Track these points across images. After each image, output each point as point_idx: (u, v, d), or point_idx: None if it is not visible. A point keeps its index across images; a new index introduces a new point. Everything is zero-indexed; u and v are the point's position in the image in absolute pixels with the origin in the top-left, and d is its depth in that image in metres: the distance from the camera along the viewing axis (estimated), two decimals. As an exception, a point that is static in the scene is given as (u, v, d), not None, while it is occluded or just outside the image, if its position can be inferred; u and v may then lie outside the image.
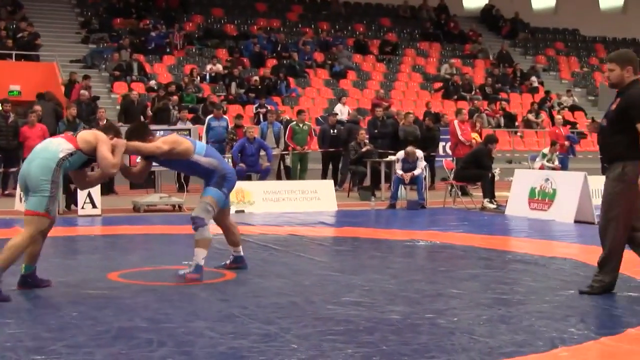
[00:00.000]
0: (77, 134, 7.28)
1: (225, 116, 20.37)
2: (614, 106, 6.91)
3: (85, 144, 7.09)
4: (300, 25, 32.94)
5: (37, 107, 18.51)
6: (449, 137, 19.99)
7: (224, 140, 19.37)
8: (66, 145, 7.05)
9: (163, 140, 7.67)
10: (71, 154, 7.01)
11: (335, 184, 18.08)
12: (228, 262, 8.39)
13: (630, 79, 6.87)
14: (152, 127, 17.43)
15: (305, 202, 15.59)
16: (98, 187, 14.04)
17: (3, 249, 6.76)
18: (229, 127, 19.74)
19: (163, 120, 19.81)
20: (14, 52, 26.13)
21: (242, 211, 15.01)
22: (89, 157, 7.16)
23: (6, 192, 17.67)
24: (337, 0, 34.62)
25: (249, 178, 17.19)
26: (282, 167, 19.84)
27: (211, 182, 7.80)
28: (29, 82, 22.97)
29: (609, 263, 7.00)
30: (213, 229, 8.00)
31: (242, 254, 8.40)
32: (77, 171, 7.39)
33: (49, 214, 6.87)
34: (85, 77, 23.25)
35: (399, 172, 16.00)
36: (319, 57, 30.47)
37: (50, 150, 7.02)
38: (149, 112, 21.32)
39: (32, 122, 17.66)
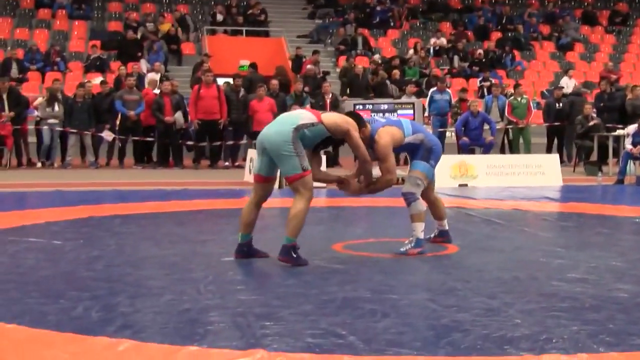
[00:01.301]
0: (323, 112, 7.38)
1: (448, 89, 20.30)
2: None
3: (333, 123, 7.14)
4: (525, -3, 32.23)
5: (274, 82, 19.12)
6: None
7: (446, 113, 19.34)
8: (308, 115, 7.17)
9: (383, 146, 7.50)
10: (312, 124, 7.06)
11: (561, 158, 17.65)
12: (433, 235, 8.31)
13: None
14: (376, 100, 17.80)
15: (529, 177, 15.30)
16: (324, 159, 14.31)
17: (287, 220, 7.02)
18: (452, 100, 19.69)
19: (382, 94, 19.97)
20: (244, 29, 27.02)
21: (466, 185, 14.93)
22: (331, 136, 7.20)
23: (236, 163, 18.32)
24: (565, -30, 33.55)
25: (472, 152, 17.07)
26: (506, 141, 19.52)
27: (417, 155, 7.75)
28: (258, 57, 23.64)
29: None
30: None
31: (447, 227, 8.29)
32: (312, 154, 7.42)
33: (307, 170, 6.99)
34: (315, 52, 23.76)
35: (629, 146, 15.42)
36: (544, 29, 29.76)
37: (291, 116, 7.19)
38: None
39: (260, 96, 18.19)
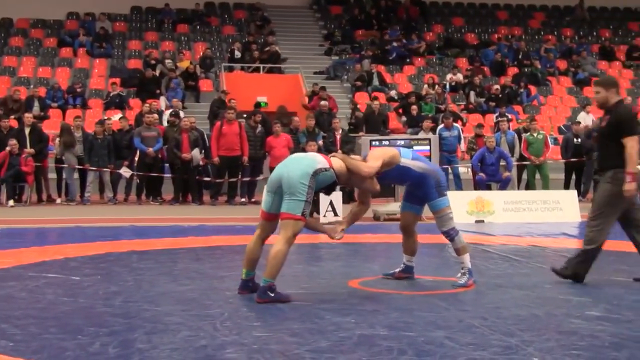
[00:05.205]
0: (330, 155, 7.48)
1: (456, 124, 20.19)
2: (604, 123, 8.22)
3: (339, 167, 7.31)
4: (542, 33, 32.32)
5: (296, 119, 19.28)
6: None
7: (454, 150, 19.27)
8: (322, 160, 7.26)
9: (373, 157, 7.64)
10: (326, 169, 7.19)
11: (579, 194, 17.59)
12: (398, 270, 8.35)
13: (615, 99, 8.10)
14: (392, 136, 17.79)
15: (547, 213, 15.27)
16: (340, 195, 14.35)
17: (267, 260, 7.02)
18: (461, 136, 19.65)
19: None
20: (261, 65, 27.16)
21: (482, 221, 14.89)
22: (335, 180, 7.35)
23: (253, 199, 18.34)
24: (582, 5, 33.63)
25: (489, 188, 17.04)
26: (521, 177, 19.39)
27: (432, 194, 7.81)
28: (275, 93, 23.73)
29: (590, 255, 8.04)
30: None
31: (413, 264, 8.34)
32: None
33: (304, 218, 7.07)
34: (322, 88, 23.77)
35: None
36: (561, 64, 29.80)
37: (308, 158, 7.28)
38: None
39: (277, 133, 18.27)
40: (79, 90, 24.32)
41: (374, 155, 7.67)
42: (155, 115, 20.26)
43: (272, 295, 6.95)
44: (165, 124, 20.33)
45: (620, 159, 7.90)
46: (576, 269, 8.13)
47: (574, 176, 19.74)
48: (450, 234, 7.85)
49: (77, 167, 18.17)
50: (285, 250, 7.01)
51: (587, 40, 32.02)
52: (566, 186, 19.25)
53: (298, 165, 7.14)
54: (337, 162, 7.35)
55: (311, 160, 7.22)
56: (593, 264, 8.13)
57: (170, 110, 21.65)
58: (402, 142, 15.43)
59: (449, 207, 7.88)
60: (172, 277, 8.50)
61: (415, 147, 14.90)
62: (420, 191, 7.91)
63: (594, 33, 32.88)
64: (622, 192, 7.86)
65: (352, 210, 8.04)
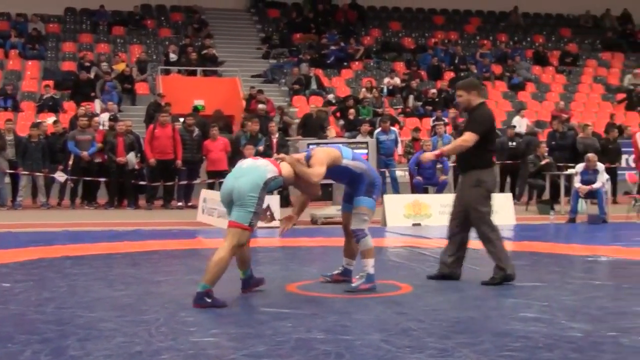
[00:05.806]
0: (279, 161, 7.46)
1: (393, 128, 20.28)
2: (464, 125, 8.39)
3: (288, 174, 7.35)
4: (478, 37, 32.66)
5: (251, 124, 19.20)
6: (632, 149, 19.31)
7: (391, 153, 19.37)
8: (272, 168, 7.26)
9: (319, 161, 7.59)
10: (275, 177, 7.22)
11: (514, 197, 17.76)
12: (335, 272, 8.35)
13: (476, 101, 8.39)
14: (330, 140, 17.78)
15: (482, 216, 15.34)
16: (277, 199, 14.32)
17: (208, 266, 7.01)
18: (398, 139, 19.75)
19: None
20: (198, 68, 27.00)
21: (419, 224, 14.96)
22: (284, 185, 7.51)
23: (189, 203, 18.22)
24: (516, 11, 34.08)
25: (426, 191, 17.14)
26: (458, 180, 19.52)
27: (360, 190, 7.83)
28: (212, 97, 23.61)
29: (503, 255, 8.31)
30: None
31: (352, 268, 8.31)
32: None
33: (252, 228, 7.11)
34: (259, 91, 23.69)
35: (577, 185, 15.61)
36: (497, 69, 30.14)
37: (259, 169, 7.22)
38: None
39: (214, 136, 18.17)
40: (9, 92, 23.92)
41: (319, 159, 7.61)
42: (97, 119, 20.05)
43: (209, 300, 6.92)
44: (102, 127, 20.10)
45: (480, 160, 8.28)
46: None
47: (508, 179, 19.96)
48: (358, 235, 7.77)
49: (8, 171, 17.87)
50: (227, 258, 7.02)
51: (522, 46, 32.45)
52: (501, 189, 19.40)
53: (248, 178, 7.13)
54: (286, 167, 7.38)
55: (262, 170, 7.20)
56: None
57: (107, 113, 21.39)
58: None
59: (369, 210, 7.81)
60: (107, 283, 8.39)
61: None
62: (353, 190, 7.92)
63: (528, 38, 33.33)
64: (486, 190, 8.36)
65: (298, 200, 8.05)
